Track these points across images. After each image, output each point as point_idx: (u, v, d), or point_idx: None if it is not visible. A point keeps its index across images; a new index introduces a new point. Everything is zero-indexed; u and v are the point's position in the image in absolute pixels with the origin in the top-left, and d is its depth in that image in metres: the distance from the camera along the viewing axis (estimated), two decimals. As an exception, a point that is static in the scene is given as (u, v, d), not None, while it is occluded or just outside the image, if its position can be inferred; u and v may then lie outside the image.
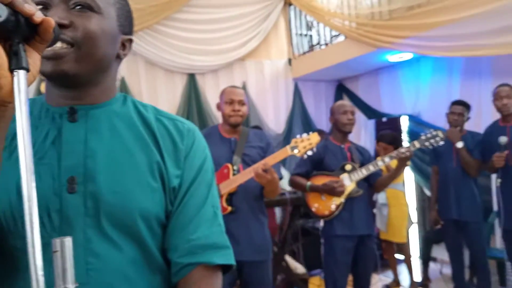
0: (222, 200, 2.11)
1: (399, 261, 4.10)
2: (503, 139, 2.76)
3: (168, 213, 0.79)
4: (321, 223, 2.74)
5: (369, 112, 5.16)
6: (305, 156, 2.12)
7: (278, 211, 4.32)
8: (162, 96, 4.61)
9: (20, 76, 0.53)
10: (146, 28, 4.38)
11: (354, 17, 4.43)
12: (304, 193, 2.77)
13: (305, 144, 2.06)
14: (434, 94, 4.35)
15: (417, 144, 2.51)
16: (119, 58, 0.82)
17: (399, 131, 4.81)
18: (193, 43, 4.69)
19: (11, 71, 0.53)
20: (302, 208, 3.53)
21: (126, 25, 0.82)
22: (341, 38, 4.80)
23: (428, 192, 4.35)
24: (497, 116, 3.07)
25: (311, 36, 5.53)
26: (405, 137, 4.73)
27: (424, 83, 4.53)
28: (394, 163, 2.83)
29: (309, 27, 5.49)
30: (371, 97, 5.15)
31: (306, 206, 2.75)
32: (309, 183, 2.67)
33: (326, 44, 5.15)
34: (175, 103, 4.68)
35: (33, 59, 0.56)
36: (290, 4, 5.39)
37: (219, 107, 2.29)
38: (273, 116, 5.26)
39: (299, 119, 5.38)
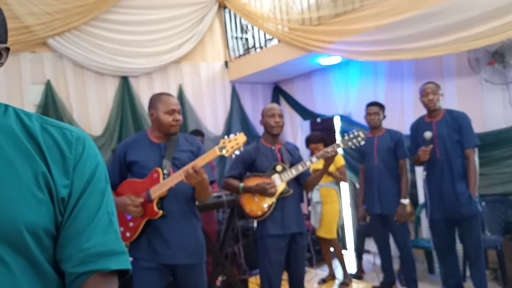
0: (153, 204, 2.09)
1: (334, 255, 4.26)
2: (428, 134, 2.96)
3: (58, 225, 0.76)
4: (255, 224, 2.78)
5: (304, 113, 5.33)
6: (233, 156, 2.16)
7: (217, 212, 4.33)
8: (93, 100, 4.43)
9: None
10: (72, 29, 4.19)
11: (286, 22, 4.55)
12: (238, 195, 2.80)
13: (233, 144, 2.10)
14: (362, 95, 4.58)
15: (340, 144, 2.62)
16: None
17: (332, 131, 5.02)
18: (124, 45, 4.55)
19: None
20: (240, 210, 3.57)
21: (1, 34, 0.78)
22: (275, 41, 4.91)
23: (359, 188, 4.57)
24: (418, 115, 3.29)
25: (246, 39, 5.60)
26: (338, 136, 4.93)
27: (353, 85, 4.76)
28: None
29: (244, 30, 5.56)
30: (305, 99, 5.32)
31: (239, 208, 2.78)
32: (242, 184, 2.70)
33: (261, 47, 5.23)
34: (107, 106, 4.52)
35: None
36: (225, 7, 5.41)
37: (152, 114, 2.24)
38: (211, 118, 5.26)
39: (238, 121, 5.43)
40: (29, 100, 4.05)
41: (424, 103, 3.07)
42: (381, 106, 3.51)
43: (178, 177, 2.06)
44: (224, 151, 2.08)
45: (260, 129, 5.48)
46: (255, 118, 5.57)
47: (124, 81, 4.63)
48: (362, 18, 3.76)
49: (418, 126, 3.17)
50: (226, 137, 2.14)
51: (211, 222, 4.03)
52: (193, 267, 2.18)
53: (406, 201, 3.32)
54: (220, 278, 3.72)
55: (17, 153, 0.75)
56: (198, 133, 4.45)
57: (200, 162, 2.04)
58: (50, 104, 4.12)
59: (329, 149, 2.59)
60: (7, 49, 0.79)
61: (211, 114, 5.27)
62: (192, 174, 1.98)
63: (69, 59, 4.27)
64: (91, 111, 4.39)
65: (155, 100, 2.26)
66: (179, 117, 2.22)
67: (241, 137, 2.11)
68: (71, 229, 0.76)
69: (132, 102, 4.65)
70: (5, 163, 0.73)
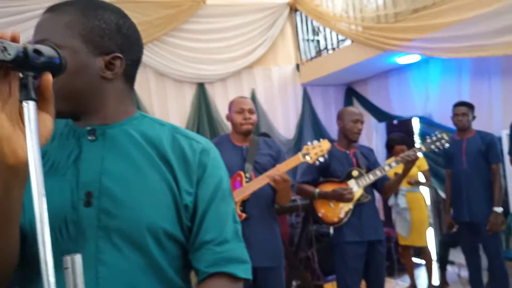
0: (236, 207, 2.15)
1: (417, 265, 4.05)
2: None
3: (185, 229, 0.84)
4: (331, 230, 2.74)
5: (380, 115, 5.13)
6: (317, 163, 2.16)
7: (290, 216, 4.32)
8: (172, 106, 4.66)
9: (30, 106, 0.58)
10: (155, 39, 4.46)
11: (360, 21, 4.42)
12: (312, 200, 2.77)
13: (317, 150, 2.11)
14: (444, 95, 4.29)
15: (422, 147, 2.49)
16: (107, 79, 0.82)
17: (410, 133, 4.77)
18: (201, 53, 4.74)
19: (21, 102, 0.59)
20: (314, 214, 3.53)
21: (103, 45, 0.81)
22: (348, 42, 4.79)
23: (443, 195, 4.29)
24: (507, 115, 3.02)
25: (318, 41, 5.53)
26: (417, 139, 4.68)
27: (433, 84, 4.48)
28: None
29: (315, 32, 5.50)
30: (381, 100, 5.12)
31: (314, 214, 2.75)
32: (317, 190, 2.67)
33: (334, 49, 5.14)
34: (185, 112, 4.73)
35: (44, 120, 0.63)
36: (296, 10, 5.41)
37: (228, 117, 2.37)
38: (283, 122, 5.27)
39: (309, 124, 5.38)
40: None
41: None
42: (470, 106, 3.24)
43: (261, 181, 2.10)
44: (307, 158, 2.09)
45: (332, 132, 5.38)
46: (327, 121, 5.47)
47: (200, 87, 4.81)
48: (444, 12, 3.52)
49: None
50: (309, 143, 2.14)
51: (284, 225, 4.04)
52: (273, 269, 2.20)
53: (499, 209, 3.04)
54: (294, 283, 3.70)
55: (146, 160, 0.83)
56: (266, 136, 4.48)
57: (283, 167, 2.08)
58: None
59: (410, 152, 2.47)
60: (117, 57, 0.82)
61: (282, 118, 5.29)
62: (279, 179, 2.02)
63: (151, 68, 4.55)
64: (171, 117, 4.63)
65: (230, 103, 2.38)
66: (250, 115, 2.28)
67: (325, 144, 2.10)
68: (203, 235, 0.84)
69: (207, 107, 4.82)
70: (137, 169, 0.81)
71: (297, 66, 5.44)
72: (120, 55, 0.83)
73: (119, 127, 0.85)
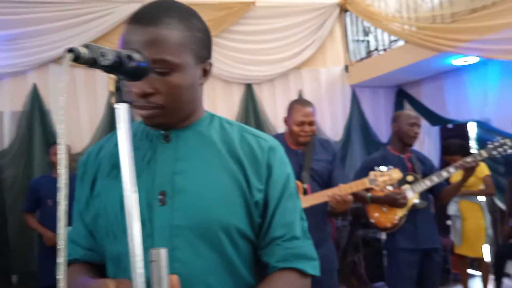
0: None
1: (471, 276, 3.87)
2: None
3: (256, 226, 0.86)
4: (383, 235, 2.67)
5: (433, 118, 4.93)
6: (385, 191, 2.10)
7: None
8: (221, 107, 4.73)
9: (122, 108, 0.63)
10: (205, 41, 4.55)
11: (414, 21, 4.28)
12: (364, 205, 2.71)
13: (385, 178, 2.04)
14: (503, 99, 4.07)
15: (484, 153, 2.37)
16: (201, 85, 0.87)
17: (466, 138, 4.56)
18: (249, 54, 4.78)
19: (114, 104, 0.64)
20: (362, 219, 3.46)
21: (204, 52, 0.86)
22: (401, 42, 4.66)
23: (500, 204, 4.07)
24: None
25: (368, 41, 5.41)
26: (473, 144, 4.47)
27: (492, 87, 4.25)
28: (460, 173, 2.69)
29: (366, 33, 5.39)
30: (435, 103, 4.92)
31: (366, 218, 2.70)
32: (369, 194, 2.61)
33: (385, 50, 5.01)
34: (233, 113, 4.78)
35: None
36: (346, 11, 5.32)
37: (286, 121, 2.30)
38: (330, 124, 5.19)
39: (357, 127, 5.27)
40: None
41: None
42: None
43: (320, 198, 2.07)
44: (374, 185, 2.03)
45: (380, 134, 5.25)
46: (375, 123, 5.34)
47: (248, 88, 4.85)
48: (504, 12, 3.34)
49: None
50: (376, 168, 2.08)
51: (331, 228, 3.99)
52: (327, 273, 2.17)
53: None
54: None
55: (218, 159, 0.85)
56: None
57: (346, 189, 2.03)
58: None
59: (470, 159, 2.36)
60: (210, 64, 0.88)
61: (329, 119, 5.21)
62: (341, 202, 1.98)
63: (202, 70, 4.64)
64: (219, 117, 4.72)
65: (290, 107, 2.30)
66: (310, 128, 2.20)
67: (395, 173, 2.03)
68: (273, 231, 0.86)
69: (255, 108, 4.85)
70: (210, 169, 0.84)
71: (346, 67, 5.35)
72: (210, 60, 0.88)
73: (193, 128, 0.88)
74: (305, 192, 2.16)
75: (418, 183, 2.52)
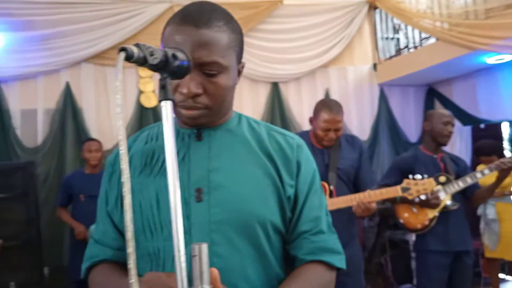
0: None
1: (503, 280, 3.75)
2: None
3: (287, 220, 0.88)
4: (413, 237, 2.61)
5: (465, 118, 4.79)
6: (417, 200, 2.06)
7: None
8: (248, 105, 4.73)
9: (167, 106, 0.64)
10: (232, 40, 4.57)
11: (446, 17, 4.17)
12: (393, 205, 2.66)
13: (419, 188, 1.99)
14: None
15: (522, 154, 2.29)
16: (235, 85, 0.89)
17: (499, 138, 4.41)
18: (276, 52, 4.76)
19: (159, 102, 0.65)
20: (390, 219, 3.40)
21: (241, 55, 0.89)
22: (432, 40, 4.54)
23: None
24: None
25: (398, 39, 5.31)
26: (506, 145, 4.32)
27: (528, 86, 4.10)
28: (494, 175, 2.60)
29: (396, 30, 5.28)
30: (466, 102, 4.78)
31: (395, 218, 2.65)
32: (399, 194, 2.56)
33: (415, 47, 4.90)
34: (259, 111, 4.78)
35: None
36: (375, 8, 5.23)
37: (311, 121, 2.25)
38: (358, 122, 5.12)
39: (385, 126, 5.18)
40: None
41: None
42: None
43: (347, 202, 2.05)
44: (407, 193, 1.99)
45: (409, 134, 5.14)
46: (404, 123, 5.22)
47: (274, 86, 4.84)
48: (544, 8, 3.21)
49: None
50: (410, 176, 2.04)
51: (358, 229, 3.94)
52: (354, 274, 2.15)
53: None
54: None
55: (251, 156, 0.87)
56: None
57: (376, 196, 2.00)
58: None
59: (506, 159, 2.28)
60: (243, 65, 0.92)
61: (357, 118, 5.13)
62: (364, 209, 1.96)
63: (229, 68, 4.67)
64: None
65: (317, 109, 2.23)
66: (334, 134, 2.15)
67: (430, 183, 1.98)
68: (301, 225, 0.89)
69: (281, 106, 4.83)
70: (243, 166, 0.86)
71: (374, 66, 5.26)
72: (244, 62, 0.91)
73: (224, 127, 0.89)
74: (331, 194, 2.13)
75: (451, 184, 2.45)
